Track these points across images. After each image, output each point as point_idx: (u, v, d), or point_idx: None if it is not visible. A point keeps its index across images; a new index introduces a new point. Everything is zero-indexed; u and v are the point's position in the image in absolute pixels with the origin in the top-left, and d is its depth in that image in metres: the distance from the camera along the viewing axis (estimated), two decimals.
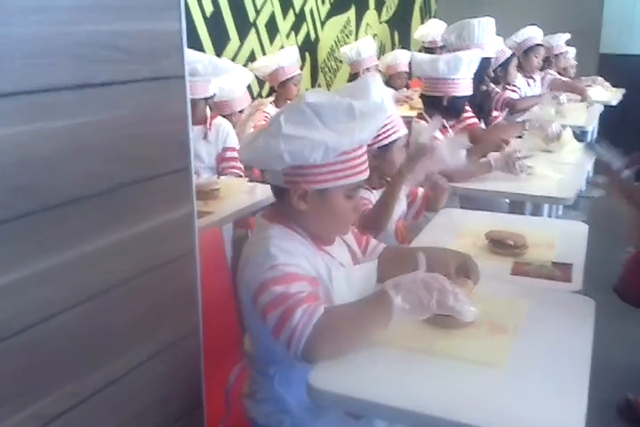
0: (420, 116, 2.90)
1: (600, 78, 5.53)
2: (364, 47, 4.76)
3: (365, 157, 1.37)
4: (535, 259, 1.76)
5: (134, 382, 1.14)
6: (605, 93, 5.33)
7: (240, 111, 3.25)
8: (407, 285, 1.21)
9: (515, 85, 4.47)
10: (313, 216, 1.36)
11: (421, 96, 2.97)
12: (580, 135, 3.86)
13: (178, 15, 1.15)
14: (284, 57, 3.81)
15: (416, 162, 1.97)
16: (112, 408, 1.10)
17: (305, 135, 1.27)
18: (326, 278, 1.35)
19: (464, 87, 2.83)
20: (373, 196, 2.11)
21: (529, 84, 4.69)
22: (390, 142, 2.08)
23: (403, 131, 2.12)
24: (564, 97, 4.32)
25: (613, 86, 5.55)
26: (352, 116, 1.30)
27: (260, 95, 4.28)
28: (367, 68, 4.71)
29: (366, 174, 1.38)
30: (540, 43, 4.72)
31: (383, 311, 1.19)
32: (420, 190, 2.31)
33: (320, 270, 1.34)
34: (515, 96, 4.41)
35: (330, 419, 1.36)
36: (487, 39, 3.45)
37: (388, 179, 2.08)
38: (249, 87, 3.59)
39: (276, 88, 3.84)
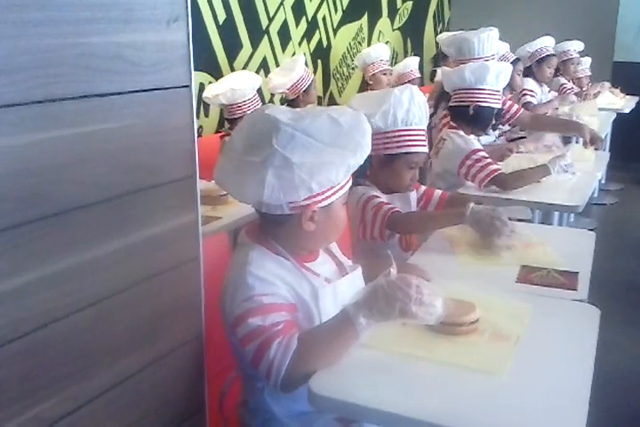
0: (451, 127, 2.89)
1: (607, 83, 5.50)
2: (377, 52, 4.81)
3: None
4: (541, 267, 1.76)
5: (137, 386, 1.15)
6: (616, 99, 5.31)
7: None
8: (367, 301, 1.19)
9: (532, 90, 4.48)
10: (317, 233, 1.36)
11: (449, 108, 2.97)
12: None
13: (184, 26, 1.17)
14: (297, 68, 3.85)
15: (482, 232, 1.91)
16: (114, 412, 1.12)
17: (320, 160, 1.26)
18: (310, 301, 1.34)
19: (490, 97, 2.82)
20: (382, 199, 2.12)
21: (543, 92, 4.70)
22: (401, 153, 2.06)
23: (420, 149, 2.08)
24: (569, 99, 4.30)
25: (627, 94, 5.53)
26: (339, 127, 1.29)
27: (271, 101, 4.31)
28: (383, 73, 4.75)
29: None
30: (553, 53, 4.72)
31: (349, 333, 1.20)
32: (437, 192, 2.27)
33: (302, 294, 1.34)
34: (533, 101, 4.41)
35: (319, 425, 1.37)
36: (489, 53, 3.42)
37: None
38: (260, 91, 3.61)
39: (301, 96, 3.88)
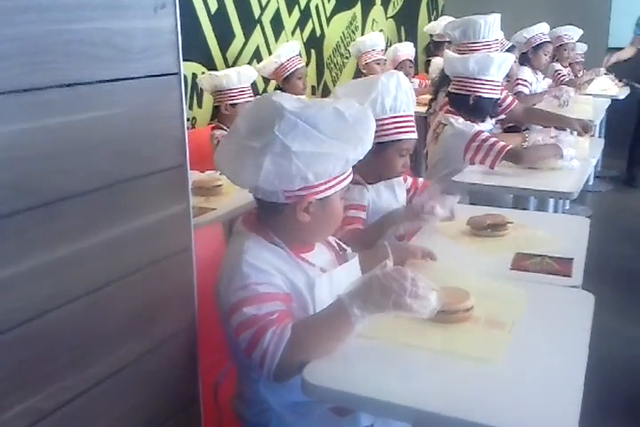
0: (448, 111, 2.88)
1: (602, 69, 5.49)
2: (372, 40, 4.79)
3: None
4: (535, 254, 1.76)
5: (130, 376, 1.15)
6: (611, 84, 5.31)
7: (233, 105, 3.24)
8: (362, 292, 1.19)
9: (525, 80, 4.47)
10: (312, 225, 1.36)
11: (448, 94, 2.97)
12: None
13: (172, 13, 1.15)
14: (282, 53, 3.84)
15: (411, 224, 1.93)
16: (108, 402, 1.11)
17: (319, 151, 1.26)
18: (305, 290, 1.34)
19: (492, 89, 2.82)
20: (369, 194, 2.10)
21: (537, 80, 4.68)
22: (391, 141, 2.03)
23: (410, 135, 2.06)
24: (566, 93, 4.29)
25: (620, 80, 5.51)
26: (344, 120, 1.29)
27: (265, 91, 4.29)
28: (377, 62, 4.73)
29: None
30: (549, 40, 4.71)
31: (344, 324, 1.19)
32: (420, 180, 2.30)
33: (298, 284, 1.33)
34: (526, 91, 4.40)
35: (315, 417, 1.37)
36: (493, 37, 3.43)
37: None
38: (254, 84, 3.59)
39: (281, 85, 3.86)
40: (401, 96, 2.01)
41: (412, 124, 2.08)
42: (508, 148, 2.65)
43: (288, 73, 3.84)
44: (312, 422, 1.37)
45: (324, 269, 1.41)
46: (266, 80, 4.24)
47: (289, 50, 3.89)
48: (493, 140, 2.69)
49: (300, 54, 4.05)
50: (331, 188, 1.33)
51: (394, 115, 2.02)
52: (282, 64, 3.84)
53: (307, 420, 1.37)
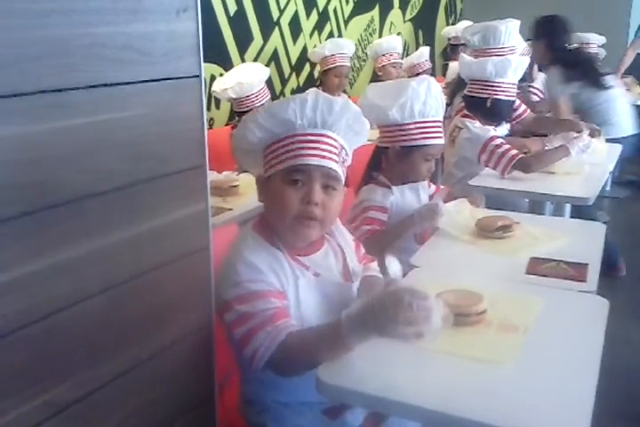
0: (465, 116, 2.89)
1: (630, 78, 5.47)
2: (390, 43, 4.80)
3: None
4: (550, 259, 1.76)
5: (145, 374, 1.16)
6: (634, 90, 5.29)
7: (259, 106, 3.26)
8: (361, 318, 1.11)
9: (537, 88, 4.45)
10: (266, 208, 1.43)
11: (464, 97, 2.97)
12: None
13: (194, 16, 1.17)
14: (329, 47, 4.01)
15: (422, 223, 1.99)
16: (122, 399, 1.13)
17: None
18: (291, 291, 1.34)
19: (508, 91, 2.83)
20: (393, 197, 2.12)
21: None
22: (418, 145, 2.06)
23: (436, 140, 2.08)
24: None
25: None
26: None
27: (282, 94, 4.31)
28: (392, 65, 4.74)
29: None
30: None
31: (340, 345, 1.17)
32: (441, 187, 2.33)
33: (285, 283, 1.34)
34: (536, 98, 4.38)
35: (307, 417, 1.38)
36: (512, 43, 3.42)
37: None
38: (271, 84, 3.62)
39: (322, 76, 4.04)
40: (430, 101, 2.03)
41: (440, 129, 2.10)
42: (519, 157, 2.65)
43: (327, 67, 3.99)
44: (305, 422, 1.38)
45: (317, 274, 1.39)
46: (282, 80, 4.28)
47: (335, 45, 3.99)
48: (506, 147, 2.69)
49: (349, 54, 4.14)
50: (271, 167, 1.35)
51: (422, 120, 2.04)
52: (325, 57, 3.95)
53: (300, 420, 1.38)
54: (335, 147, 1.36)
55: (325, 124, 1.34)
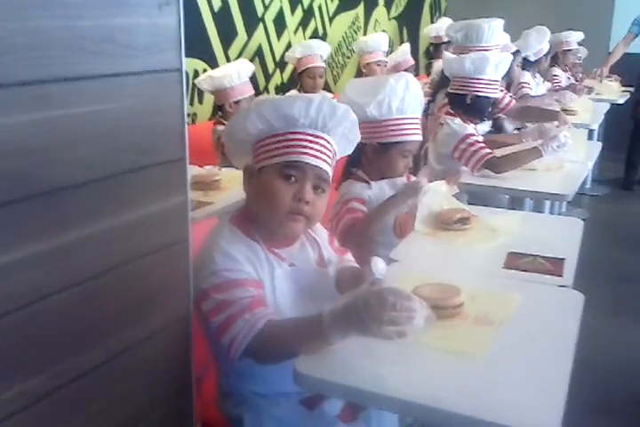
0: (449, 113, 2.91)
1: (604, 69, 5.53)
2: (376, 41, 4.81)
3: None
4: (528, 253, 1.78)
5: (125, 363, 1.17)
6: (613, 87, 5.34)
7: (236, 102, 3.20)
8: (343, 316, 1.13)
9: (528, 83, 4.50)
10: (252, 201, 1.44)
11: (447, 94, 2.99)
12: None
13: (176, 10, 1.18)
14: (298, 50, 4.01)
15: (405, 201, 2.02)
16: (102, 388, 1.14)
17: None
18: (267, 281, 1.36)
19: (489, 88, 2.84)
20: (371, 191, 2.13)
21: (537, 84, 4.71)
22: (395, 142, 2.08)
23: (413, 137, 2.09)
24: (568, 97, 4.31)
25: (624, 85, 5.55)
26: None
27: (266, 90, 4.31)
28: (377, 64, 4.75)
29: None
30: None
31: (320, 339, 1.17)
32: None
33: (261, 274, 1.36)
34: (531, 93, 4.43)
35: (285, 408, 1.40)
36: (495, 42, 3.45)
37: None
38: (255, 80, 3.62)
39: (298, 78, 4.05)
40: (408, 98, 2.04)
41: (417, 126, 2.11)
42: (488, 157, 2.67)
43: (300, 69, 4.02)
44: (282, 413, 1.39)
45: (293, 265, 1.42)
46: (267, 77, 4.28)
47: (306, 48, 4.01)
48: (479, 146, 2.70)
49: (322, 55, 4.15)
50: (264, 159, 1.37)
51: (400, 116, 2.06)
52: (297, 59, 4.01)
53: (276, 410, 1.39)
54: (330, 150, 1.40)
55: (325, 127, 1.38)
